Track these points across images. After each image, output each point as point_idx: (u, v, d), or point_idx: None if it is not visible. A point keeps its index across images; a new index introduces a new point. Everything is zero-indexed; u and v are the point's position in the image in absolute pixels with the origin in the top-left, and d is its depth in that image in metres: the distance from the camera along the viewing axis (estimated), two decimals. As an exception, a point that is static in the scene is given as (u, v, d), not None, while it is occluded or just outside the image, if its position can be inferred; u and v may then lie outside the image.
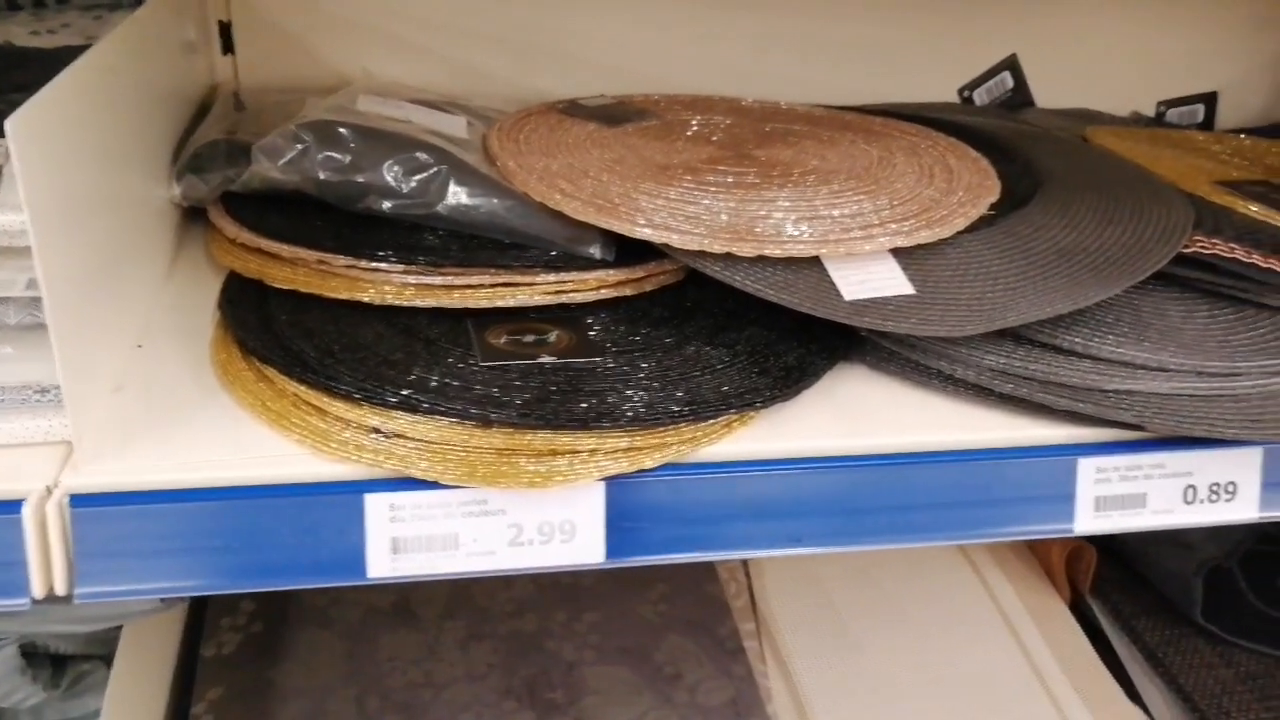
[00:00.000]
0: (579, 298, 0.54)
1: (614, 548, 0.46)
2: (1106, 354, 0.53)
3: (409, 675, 0.63)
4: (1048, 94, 0.96)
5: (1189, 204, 0.64)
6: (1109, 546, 0.83)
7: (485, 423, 0.45)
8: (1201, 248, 0.59)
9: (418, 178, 0.56)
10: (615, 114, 0.73)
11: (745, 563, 0.80)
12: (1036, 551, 0.83)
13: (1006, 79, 0.94)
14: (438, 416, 0.45)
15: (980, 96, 0.94)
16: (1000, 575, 0.82)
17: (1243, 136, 0.88)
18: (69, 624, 0.56)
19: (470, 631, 0.66)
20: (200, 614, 0.68)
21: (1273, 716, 0.71)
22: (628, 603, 0.69)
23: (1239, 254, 0.59)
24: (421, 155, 0.56)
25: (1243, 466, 0.53)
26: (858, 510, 0.49)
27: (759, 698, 0.63)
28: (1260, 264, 0.59)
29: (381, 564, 0.44)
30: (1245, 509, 0.53)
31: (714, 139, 0.69)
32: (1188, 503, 0.52)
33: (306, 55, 0.85)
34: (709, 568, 0.74)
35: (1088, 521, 0.51)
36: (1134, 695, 0.74)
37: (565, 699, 0.61)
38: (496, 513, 0.45)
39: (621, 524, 0.46)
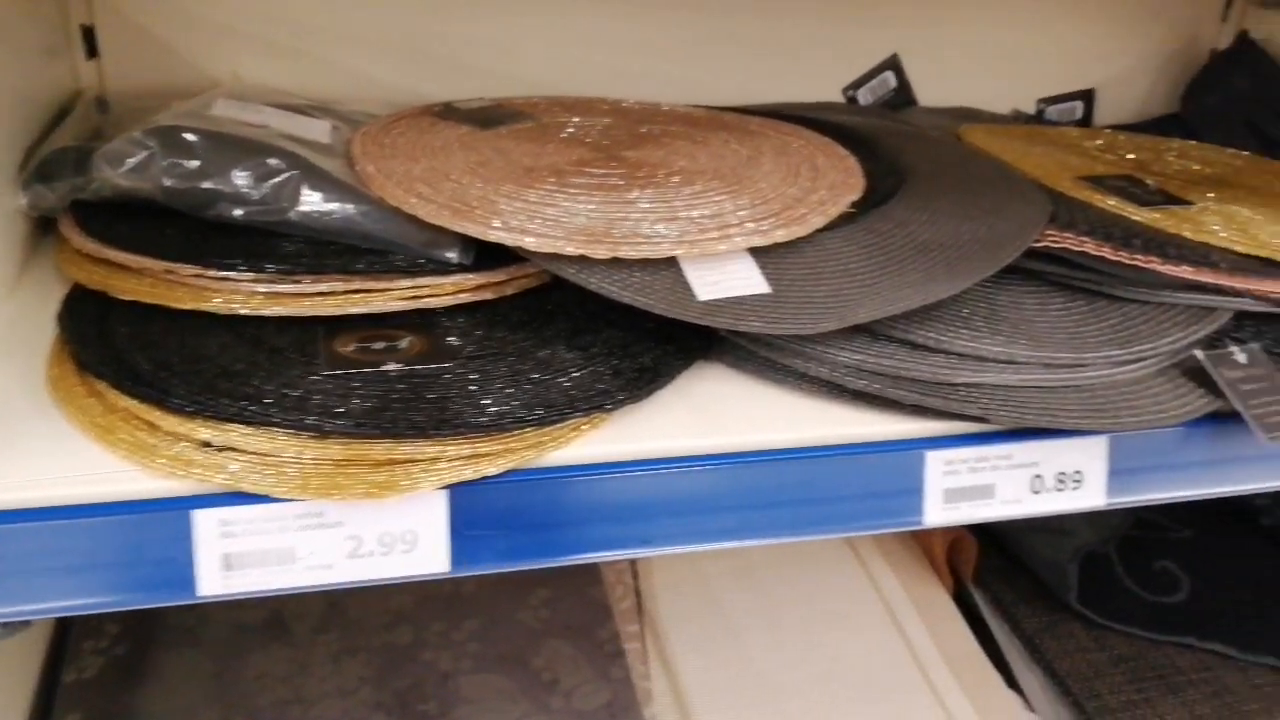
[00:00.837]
0: (437, 303, 0.54)
1: (459, 557, 0.46)
2: (959, 348, 0.54)
3: (277, 693, 0.61)
4: (931, 93, 0.98)
5: (1048, 199, 0.66)
6: (991, 536, 0.85)
7: (320, 433, 0.44)
8: (1053, 241, 0.61)
9: (269, 183, 0.55)
10: (490, 116, 0.73)
11: (634, 564, 0.80)
12: (920, 542, 0.84)
13: (889, 78, 0.95)
14: (271, 428, 0.44)
15: (864, 96, 0.96)
16: (885, 567, 0.83)
17: (1116, 132, 0.91)
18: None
19: (344, 646, 0.65)
20: (64, 638, 0.66)
21: (1143, 697, 0.73)
22: (508, 609, 0.69)
23: (1089, 247, 0.60)
24: (273, 160, 0.55)
25: (1088, 455, 0.54)
26: (707, 510, 0.49)
27: (635, 700, 0.63)
28: (1110, 257, 0.60)
29: (212, 581, 0.43)
30: (1092, 497, 0.54)
31: (587, 140, 0.69)
32: (1035, 492, 0.54)
33: (177, 59, 0.82)
34: (593, 570, 0.74)
35: (937, 514, 0.52)
36: (1013, 682, 0.76)
37: (438, 710, 0.60)
38: (334, 525, 0.44)
39: (466, 532, 0.46)
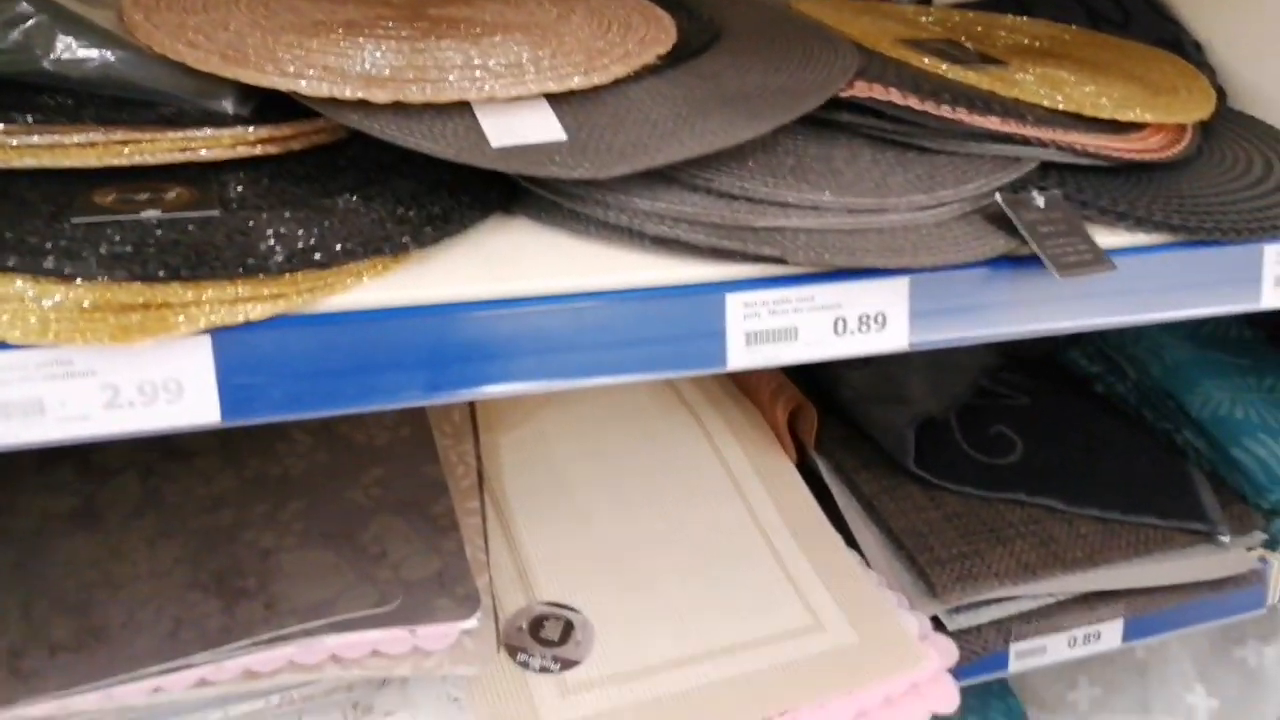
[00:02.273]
0: (212, 156, 0.51)
1: (230, 407, 0.44)
2: (762, 195, 0.54)
3: (84, 578, 0.59)
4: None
5: (861, 56, 0.65)
6: (834, 407, 0.86)
7: (61, 277, 0.41)
8: (861, 92, 0.60)
9: (18, 29, 0.50)
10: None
11: (476, 441, 0.79)
12: (765, 413, 0.85)
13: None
14: (7, 273, 0.41)
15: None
16: (731, 439, 0.84)
17: (951, 10, 0.91)
18: None
19: (159, 530, 0.63)
20: None
21: (972, 549, 0.75)
22: (338, 489, 0.67)
23: (895, 97, 0.60)
24: (24, 6, 0.51)
25: (890, 297, 0.54)
26: (500, 354, 0.48)
27: (467, 569, 0.63)
28: (915, 107, 0.60)
29: (-49, 436, 0.40)
30: (895, 339, 0.55)
31: (394, 1, 0.65)
32: (838, 334, 0.54)
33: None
34: (430, 449, 0.72)
35: (740, 357, 0.52)
36: (852, 542, 0.78)
37: (257, 585, 0.59)
38: (85, 374, 0.42)
39: (235, 381, 0.44)
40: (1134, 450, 0.86)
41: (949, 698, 0.68)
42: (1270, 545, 0.82)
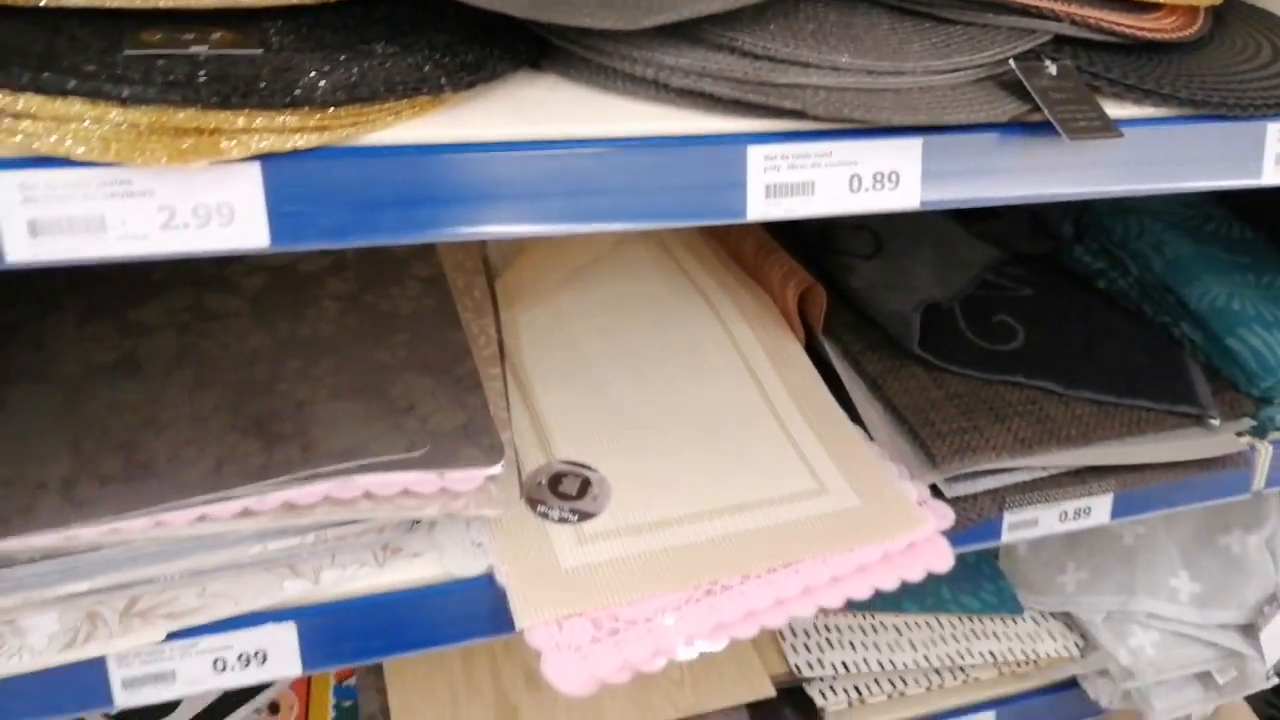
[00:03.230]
0: (250, 2, 0.52)
1: (279, 232, 0.46)
2: (783, 55, 0.55)
3: (129, 419, 0.62)
4: None
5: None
6: (842, 295, 0.89)
7: (120, 100, 0.43)
8: (883, -41, 0.62)
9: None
10: None
11: (496, 317, 0.82)
12: (774, 296, 0.87)
13: None
14: (70, 97, 0.43)
15: None
16: (741, 322, 0.86)
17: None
18: None
19: (198, 380, 0.65)
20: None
21: (971, 424, 0.78)
22: (366, 350, 0.70)
23: (917, -35, 0.62)
24: None
25: (904, 158, 0.57)
26: (532, 195, 0.50)
27: (491, 423, 0.66)
28: (936, -25, 0.62)
29: (19, 248, 0.43)
30: (907, 198, 0.57)
31: None
32: (854, 191, 0.56)
33: None
34: (453, 318, 0.75)
35: (759, 208, 0.54)
36: (856, 419, 0.81)
37: (293, 430, 0.62)
38: (143, 194, 0.44)
39: (284, 208, 0.46)
40: (1132, 340, 0.88)
41: (944, 558, 0.72)
42: (1258, 432, 0.86)
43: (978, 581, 1.00)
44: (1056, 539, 1.02)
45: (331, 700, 0.88)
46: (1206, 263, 0.92)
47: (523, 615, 0.63)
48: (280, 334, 0.71)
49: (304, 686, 0.89)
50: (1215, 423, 0.81)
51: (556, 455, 0.73)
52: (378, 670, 0.83)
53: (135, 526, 0.57)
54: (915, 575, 0.71)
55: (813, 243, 0.95)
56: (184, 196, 0.44)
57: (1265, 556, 0.96)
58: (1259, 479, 0.86)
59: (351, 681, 0.89)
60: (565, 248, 0.91)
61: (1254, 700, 1.13)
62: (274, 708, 0.87)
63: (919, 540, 0.71)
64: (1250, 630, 0.93)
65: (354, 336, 0.71)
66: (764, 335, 0.85)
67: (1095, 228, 0.98)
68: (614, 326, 0.85)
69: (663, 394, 0.79)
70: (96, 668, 0.59)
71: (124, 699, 0.60)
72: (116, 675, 0.59)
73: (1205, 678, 0.97)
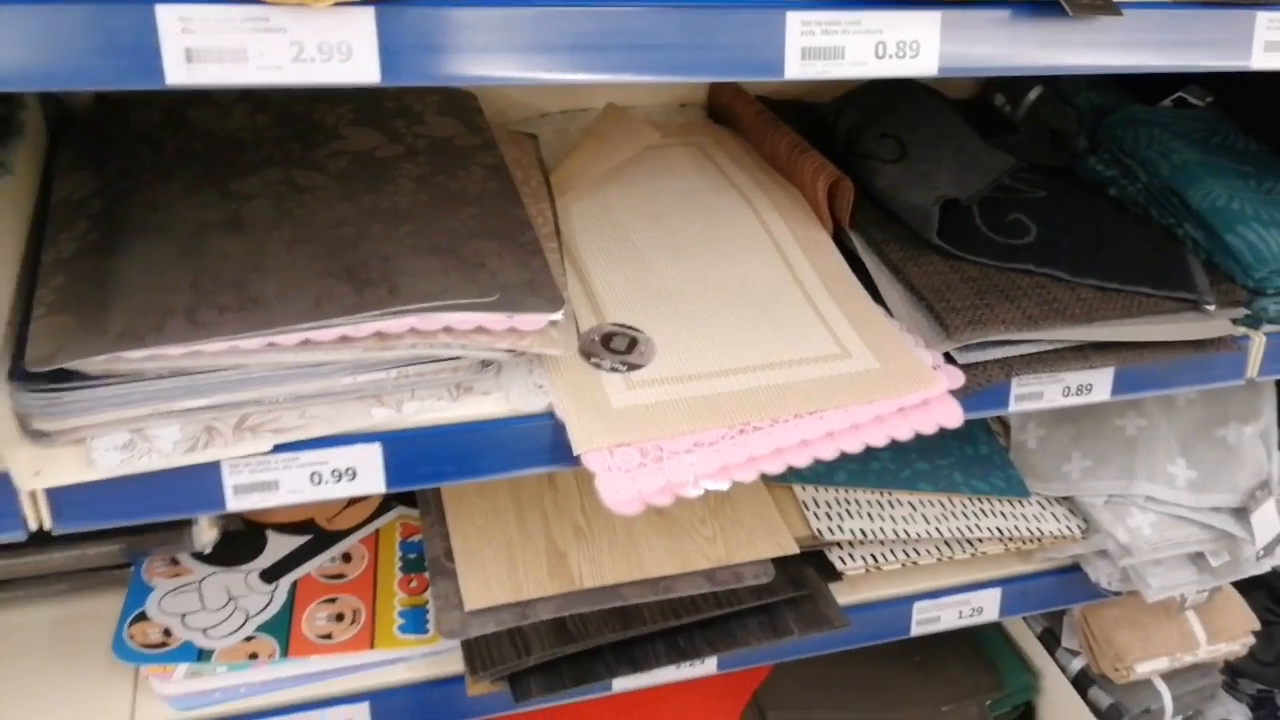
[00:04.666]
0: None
1: (387, 68, 0.55)
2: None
3: (238, 265, 0.71)
4: None
5: None
6: (869, 195, 0.96)
7: (263, -53, 0.51)
8: None
9: None
10: None
11: (552, 204, 0.90)
12: (805, 191, 0.95)
13: None
14: (219, -58, 0.51)
15: None
16: (774, 212, 0.94)
17: None
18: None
19: (295, 238, 0.74)
20: (39, 241, 0.74)
21: (984, 303, 0.85)
22: (440, 219, 0.78)
23: None
24: None
25: (925, 30, 0.64)
26: (596, 46, 0.58)
27: (552, 279, 0.74)
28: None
29: (177, 72, 0.51)
30: (926, 65, 0.65)
31: None
32: (879, 57, 0.64)
33: None
34: (515, 199, 0.83)
35: (795, 68, 0.62)
36: (879, 300, 0.89)
37: (380, 277, 0.70)
38: (278, 30, 0.52)
39: (393, 48, 0.54)
40: (1137, 237, 0.95)
41: (954, 415, 0.79)
42: (1252, 323, 0.92)
43: (989, 469, 1.07)
44: (1064, 433, 1.09)
45: (398, 553, 0.97)
46: (1211, 169, 0.98)
47: (580, 443, 0.71)
48: (363, 205, 0.79)
49: (373, 541, 0.98)
50: (1210, 308, 0.88)
51: (607, 319, 0.81)
52: (442, 520, 0.92)
53: (250, 345, 0.66)
54: (928, 428, 0.79)
55: (841, 150, 1.02)
56: (311, 34, 0.53)
57: (1259, 446, 1.03)
58: (1252, 367, 0.93)
59: (416, 538, 0.98)
60: (610, 144, 0.99)
61: (1254, 607, 1.20)
62: (346, 557, 0.96)
63: (932, 398, 0.79)
64: (1242, 514, 1.00)
65: (428, 208, 0.80)
66: (794, 224, 0.93)
67: (1109, 140, 1.05)
68: (657, 215, 0.93)
69: (701, 272, 0.87)
70: (212, 472, 0.68)
71: (235, 503, 0.69)
72: (229, 481, 0.69)
73: (1199, 560, 1.04)
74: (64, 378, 0.64)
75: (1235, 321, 0.91)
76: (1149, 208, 1.00)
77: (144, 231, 0.74)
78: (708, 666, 0.95)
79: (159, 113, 0.88)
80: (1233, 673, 1.29)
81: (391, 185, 0.82)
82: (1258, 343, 0.92)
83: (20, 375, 0.64)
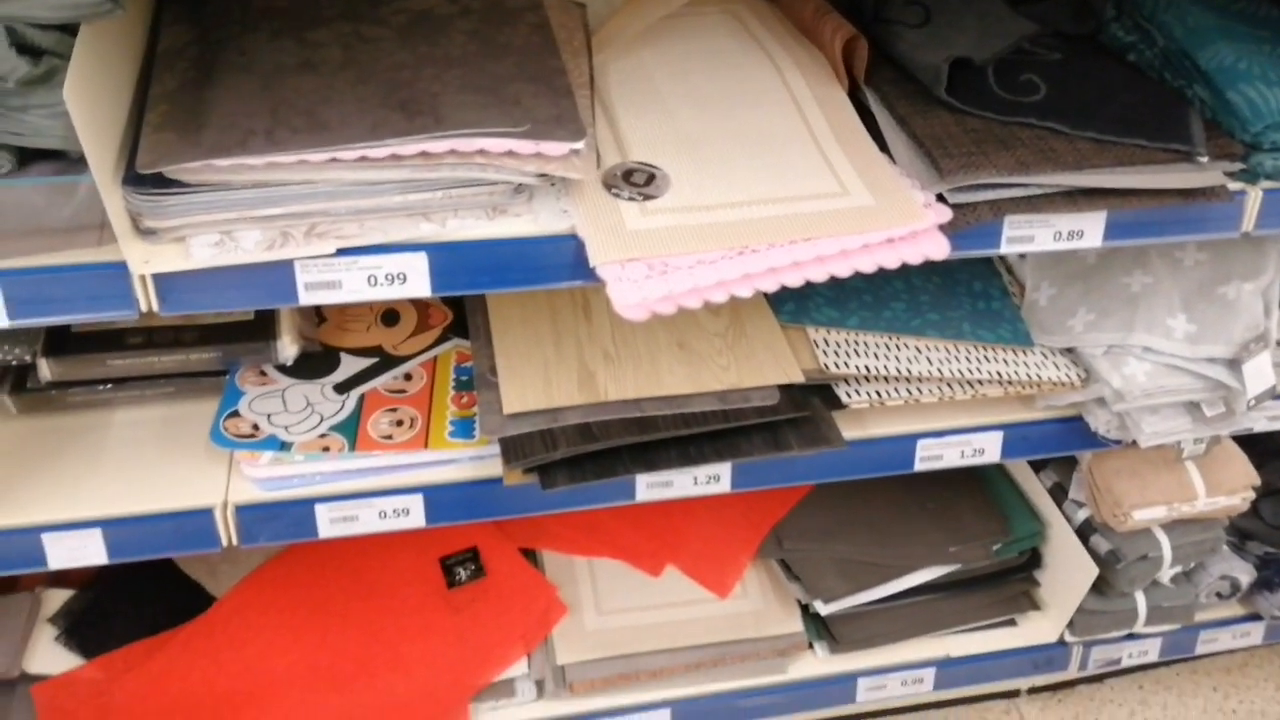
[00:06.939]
0: None
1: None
2: None
3: (310, 98, 0.83)
4: None
5: None
6: (889, 58, 1.03)
7: None
8: None
9: None
10: None
11: (590, 60, 0.99)
12: (823, 48, 1.02)
13: None
14: None
15: None
16: (794, 69, 1.01)
17: None
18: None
19: (358, 78, 0.85)
20: (148, 74, 0.88)
21: (980, 150, 0.91)
22: (484, 64, 0.88)
23: None
24: None
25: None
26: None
27: (578, 116, 0.84)
28: None
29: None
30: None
31: None
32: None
33: None
34: (555, 51, 0.92)
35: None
36: (885, 150, 0.96)
37: (428, 109, 0.81)
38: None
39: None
40: (1144, 97, 0.99)
41: (940, 247, 0.88)
42: (1249, 178, 0.97)
43: (998, 322, 1.15)
44: (1074, 290, 1.15)
45: (452, 375, 1.10)
46: (1225, 32, 1.01)
47: (596, 256, 0.82)
48: (419, 53, 0.90)
49: (431, 366, 1.12)
50: (1203, 159, 0.93)
51: (630, 158, 0.91)
52: (489, 343, 1.05)
53: (316, 159, 0.78)
54: (914, 258, 0.87)
55: (868, 16, 1.09)
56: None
57: (1258, 301, 1.08)
58: (1248, 220, 0.98)
59: (469, 364, 1.11)
60: (649, 3, 1.07)
61: (1270, 473, 1.24)
62: (408, 377, 1.10)
63: (920, 231, 0.87)
64: (1235, 364, 1.06)
65: (475, 57, 0.90)
66: (813, 80, 1.01)
67: (1131, 5, 1.08)
68: (685, 71, 1.02)
69: (720, 120, 0.96)
70: (286, 270, 0.81)
71: (305, 298, 0.83)
72: (300, 279, 0.82)
73: (1194, 410, 1.10)
74: (167, 185, 0.78)
75: (1231, 175, 0.96)
76: (1164, 72, 1.04)
77: (233, 71, 0.87)
78: (722, 485, 1.07)
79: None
80: (1241, 535, 1.35)
81: (445, 38, 0.93)
82: (1254, 197, 0.96)
83: (132, 180, 0.78)
